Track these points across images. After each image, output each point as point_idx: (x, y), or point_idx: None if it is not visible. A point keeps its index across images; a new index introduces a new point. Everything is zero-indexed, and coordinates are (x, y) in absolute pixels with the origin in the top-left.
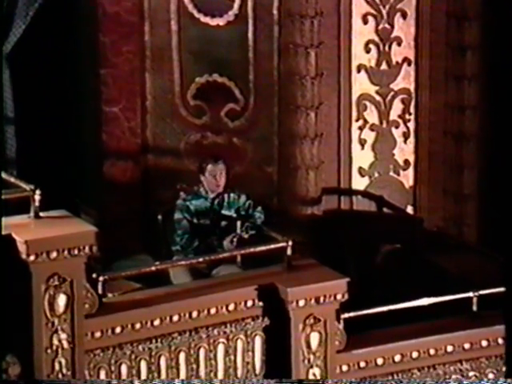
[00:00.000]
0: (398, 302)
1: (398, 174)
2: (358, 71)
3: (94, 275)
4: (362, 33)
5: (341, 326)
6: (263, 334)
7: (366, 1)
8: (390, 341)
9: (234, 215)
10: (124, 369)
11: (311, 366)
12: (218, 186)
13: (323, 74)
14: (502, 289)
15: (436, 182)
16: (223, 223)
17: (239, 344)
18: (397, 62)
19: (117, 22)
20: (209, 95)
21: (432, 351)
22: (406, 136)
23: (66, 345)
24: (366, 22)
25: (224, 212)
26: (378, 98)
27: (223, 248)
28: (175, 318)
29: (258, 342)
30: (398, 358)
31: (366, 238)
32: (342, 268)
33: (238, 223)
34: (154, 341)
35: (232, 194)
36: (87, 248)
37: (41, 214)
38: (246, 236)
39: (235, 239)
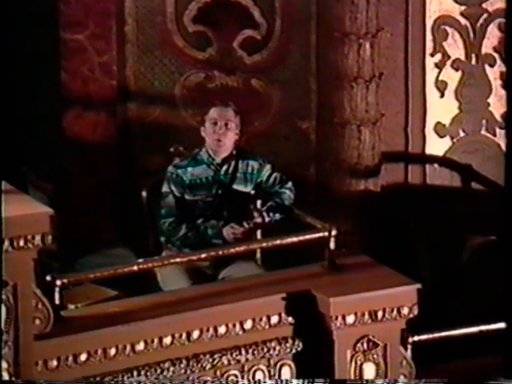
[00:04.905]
0: (492, 320)
1: (494, 134)
2: None
3: (49, 277)
4: None
5: (408, 354)
6: (293, 364)
7: None
8: (480, 376)
9: (252, 192)
10: None
11: None
12: (218, 143)
13: None
14: None
15: None
16: (236, 203)
17: (259, 377)
18: None
19: None
20: (216, 18)
21: None
22: (505, 78)
23: (6, 377)
24: None
25: (237, 187)
26: (464, 22)
27: (223, 238)
28: (167, 339)
29: (287, 374)
30: None
31: (446, 226)
32: (409, 269)
33: (258, 203)
34: (135, 373)
35: (251, 162)
36: (38, 238)
37: None
38: (266, 221)
39: (241, 228)
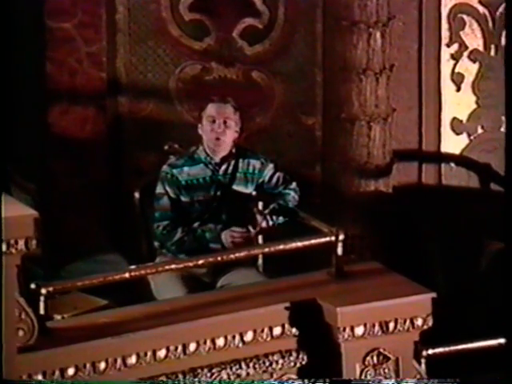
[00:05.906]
0: None
1: None
2: None
3: (33, 285)
4: None
5: (422, 368)
6: (297, 378)
7: None
8: None
9: (253, 193)
10: None
11: None
12: (217, 141)
13: None
14: None
15: None
16: (235, 205)
17: None
18: None
19: None
20: (214, 5)
21: None
22: None
23: None
24: None
25: (237, 188)
26: (482, 10)
27: (222, 243)
28: (161, 352)
29: None
30: None
31: (463, 230)
32: (423, 277)
33: (260, 205)
34: None
35: (252, 161)
36: (21, 242)
37: None
38: (268, 224)
39: (242, 233)
